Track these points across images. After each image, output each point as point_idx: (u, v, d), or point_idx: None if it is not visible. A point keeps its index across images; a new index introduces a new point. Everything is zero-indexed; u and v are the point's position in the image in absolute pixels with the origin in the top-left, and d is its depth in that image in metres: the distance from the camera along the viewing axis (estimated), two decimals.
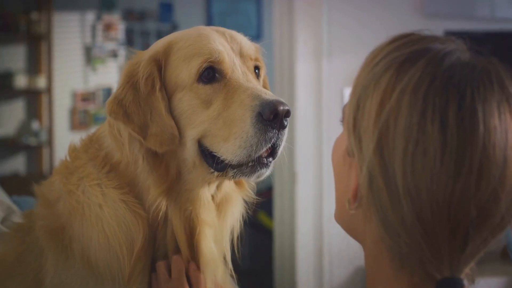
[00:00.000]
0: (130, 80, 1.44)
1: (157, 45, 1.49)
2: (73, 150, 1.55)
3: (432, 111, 0.95)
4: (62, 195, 1.48)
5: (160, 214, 1.43)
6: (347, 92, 3.59)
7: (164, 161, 1.44)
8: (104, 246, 1.41)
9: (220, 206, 1.54)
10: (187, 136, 1.43)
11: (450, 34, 1.10)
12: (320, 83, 3.60)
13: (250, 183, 1.59)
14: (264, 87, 1.59)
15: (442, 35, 1.09)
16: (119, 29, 7.37)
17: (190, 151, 1.43)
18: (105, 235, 1.42)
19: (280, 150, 1.42)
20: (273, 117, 1.35)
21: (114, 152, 1.48)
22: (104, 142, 1.51)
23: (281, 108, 1.35)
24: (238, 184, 1.58)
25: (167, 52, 1.46)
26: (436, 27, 3.16)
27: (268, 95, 1.38)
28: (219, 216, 1.53)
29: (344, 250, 3.51)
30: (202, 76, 1.42)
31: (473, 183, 0.94)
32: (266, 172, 1.43)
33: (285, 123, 1.38)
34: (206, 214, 1.47)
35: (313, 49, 3.59)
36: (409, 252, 0.99)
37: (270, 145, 1.38)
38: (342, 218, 1.15)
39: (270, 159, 1.42)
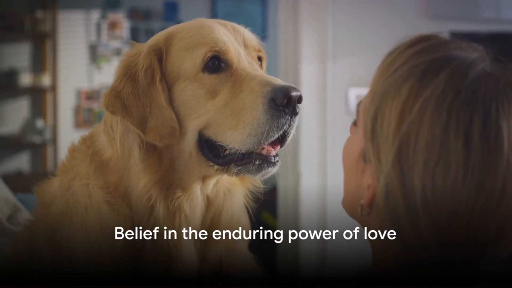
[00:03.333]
0: (128, 72, 1.40)
1: (157, 36, 1.45)
2: (71, 150, 1.51)
3: (456, 125, 0.93)
4: (56, 196, 1.46)
5: (149, 203, 1.37)
6: (352, 92, 3.61)
7: (157, 151, 1.38)
8: (86, 250, 1.37)
9: (217, 200, 1.47)
10: (187, 126, 1.38)
11: (456, 35, 1.07)
12: (324, 84, 3.60)
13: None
14: None
15: (448, 36, 1.07)
16: (124, 27, 7.36)
17: (188, 142, 1.38)
18: (88, 239, 1.37)
19: (290, 139, 1.38)
20: (286, 102, 1.32)
21: (106, 148, 1.43)
22: (97, 140, 1.46)
23: (294, 93, 1.32)
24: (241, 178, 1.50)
25: (168, 42, 1.41)
26: (441, 29, 3.13)
27: (279, 81, 1.35)
28: (212, 210, 1.46)
29: (348, 253, 3.51)
30: (207, 65, 1.38)
31: (495, 201, 0.92)
32: (272, 171, 1.38)
33: (297, 110, 1.35)
34: (190, 209, 1.41)
35: (318, 51, 3.59)
36: (422, 262, 0.97)
37: (281, 132, 1.34)
38: (350, 207, 1.13)
39: (277, 157, 1.38)
